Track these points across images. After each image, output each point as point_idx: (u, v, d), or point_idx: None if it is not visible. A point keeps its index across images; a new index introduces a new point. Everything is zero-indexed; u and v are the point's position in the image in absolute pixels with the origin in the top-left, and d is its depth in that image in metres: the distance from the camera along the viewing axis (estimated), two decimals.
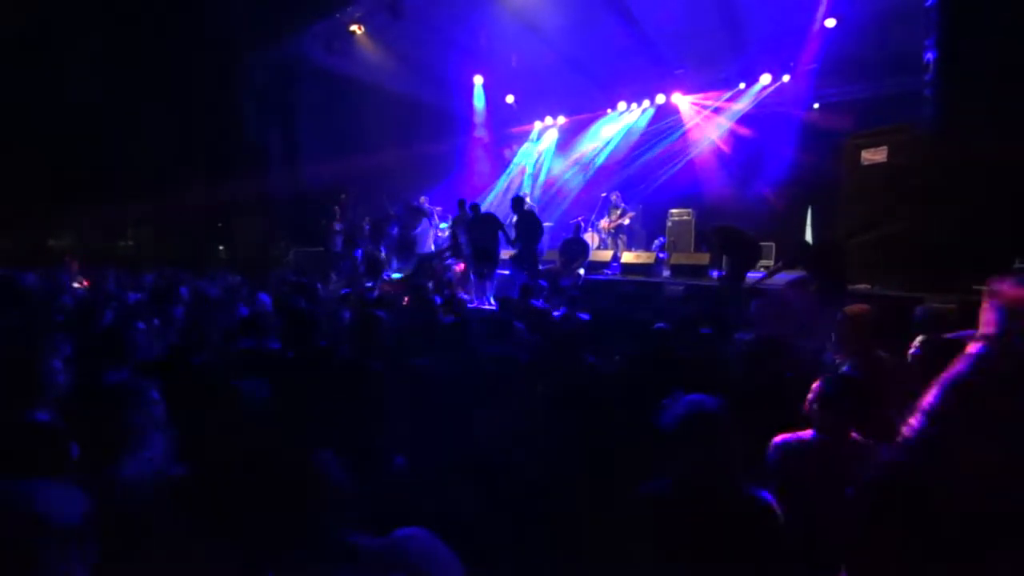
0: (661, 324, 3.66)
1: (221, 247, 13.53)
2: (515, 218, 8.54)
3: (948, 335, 2.77)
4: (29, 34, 10.77)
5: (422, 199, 11.04)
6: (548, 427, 2.20)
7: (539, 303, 5.62)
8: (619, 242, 10.68)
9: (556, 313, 5.17)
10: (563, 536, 1.75)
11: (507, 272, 8.80)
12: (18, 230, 11.96)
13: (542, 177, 14.18)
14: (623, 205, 10.85)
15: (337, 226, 10.82)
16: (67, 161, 11.66)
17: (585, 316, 4.74)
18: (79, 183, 11.82)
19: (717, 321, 4.10)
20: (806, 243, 6.73)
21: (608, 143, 13.11)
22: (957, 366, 1.36)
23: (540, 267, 8.62)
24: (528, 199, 11.82)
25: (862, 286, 6.12)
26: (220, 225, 13.49)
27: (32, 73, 10.90)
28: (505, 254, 8.94)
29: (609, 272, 9.28)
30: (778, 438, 2.16)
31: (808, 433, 2.14)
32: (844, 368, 2.85)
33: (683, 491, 1.63)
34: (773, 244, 9.80)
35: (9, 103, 10.78)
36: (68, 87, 11.07)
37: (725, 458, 1.61)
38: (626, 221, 10.72)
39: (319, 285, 6.87)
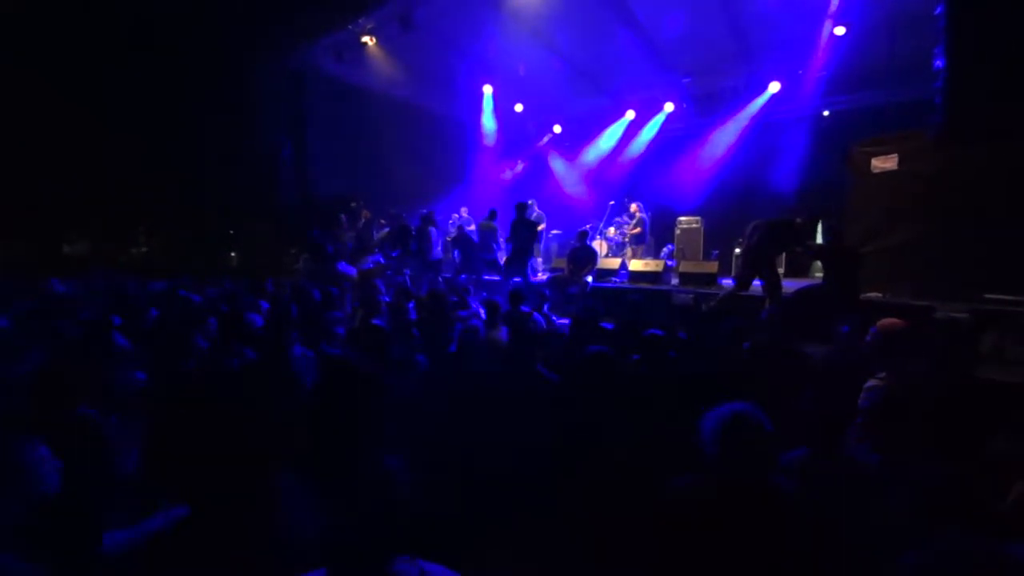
0: (654, 330, 3.55)
1: (232, 254, 13.67)
2: (514, 219, 8.58)
3: None
4: (37, 39, 10.92)
5: (463, 210, 11.51)
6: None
7: (528, 309, 5.46)
8: (627, 250, 10.66)
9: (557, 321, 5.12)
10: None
11: (497, 278, 8.77)
12: (31, 237, 12.11)
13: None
14: (639, 215, 10.81)
15: (347, 234, 10.86)
16: (79, 168, 11.82)
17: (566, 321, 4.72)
18: (91, 190, 11.98)
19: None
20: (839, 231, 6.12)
21: (616, 152, 13.12)
22: None
23: (547, 275, 8.57)
24: (535, 206, 11.87)
25: (873, 294, 6.07)
26: (231, 232, 13.64)
27: (42, 79, 11.04)
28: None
29: (617, 280, 9.25)
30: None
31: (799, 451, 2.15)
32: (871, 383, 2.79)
33: (719, 488, 1.69)
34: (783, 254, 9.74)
35: (19, 110, 10.91)
36: (79, 93, 11.23)
37: (761, 459, 1.70)
38: (637, 230, 10.70)
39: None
